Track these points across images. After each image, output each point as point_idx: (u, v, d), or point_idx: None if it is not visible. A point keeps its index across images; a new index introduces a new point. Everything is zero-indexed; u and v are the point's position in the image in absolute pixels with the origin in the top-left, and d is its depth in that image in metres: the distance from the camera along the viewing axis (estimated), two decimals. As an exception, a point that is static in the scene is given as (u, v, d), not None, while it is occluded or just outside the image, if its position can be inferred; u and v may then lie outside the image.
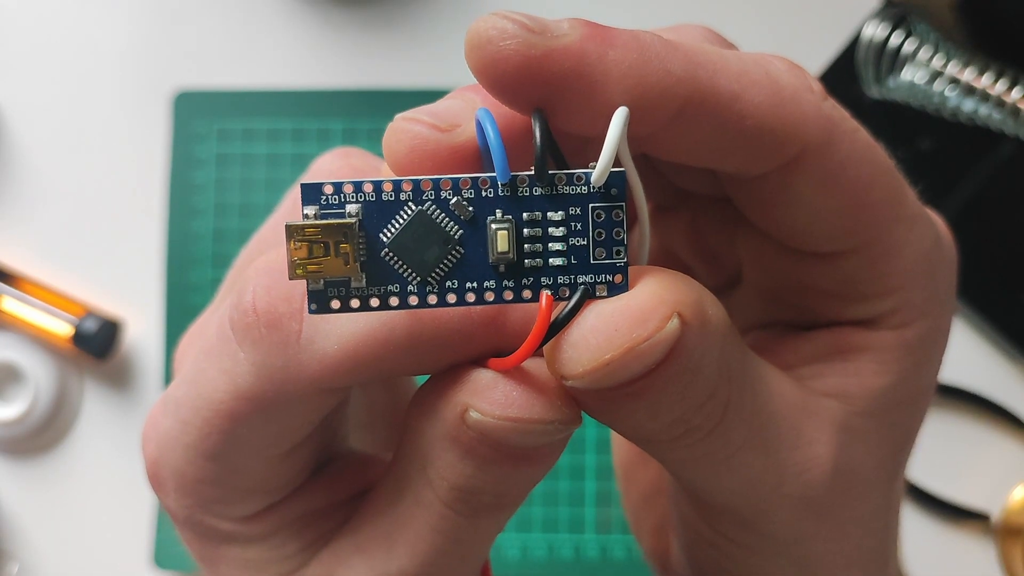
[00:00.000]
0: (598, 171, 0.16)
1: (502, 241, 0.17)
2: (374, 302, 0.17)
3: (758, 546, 0.21)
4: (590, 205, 0.17)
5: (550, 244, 0.17)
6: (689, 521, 0.23)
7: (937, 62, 0.45)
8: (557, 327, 0.16)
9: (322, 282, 0.17)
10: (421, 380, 0.20)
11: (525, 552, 0.49)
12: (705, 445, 0.19)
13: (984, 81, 0.44)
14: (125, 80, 0.54)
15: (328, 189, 0.16)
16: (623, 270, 0.17)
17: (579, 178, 0.17)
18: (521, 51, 0.17)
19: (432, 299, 0.17)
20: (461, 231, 0.17)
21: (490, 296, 0.17)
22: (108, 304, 0.52)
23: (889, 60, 0.45)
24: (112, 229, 0.53)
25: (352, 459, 0.25)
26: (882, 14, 0.46)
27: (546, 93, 0.17)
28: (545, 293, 0.17)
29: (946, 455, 0.50)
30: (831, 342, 0.21)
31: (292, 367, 0.19)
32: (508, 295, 0.17)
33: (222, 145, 0.52)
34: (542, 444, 0.19)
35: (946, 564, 0.47)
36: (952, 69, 0.45)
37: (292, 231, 0.16)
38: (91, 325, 0.49)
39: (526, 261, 0.17)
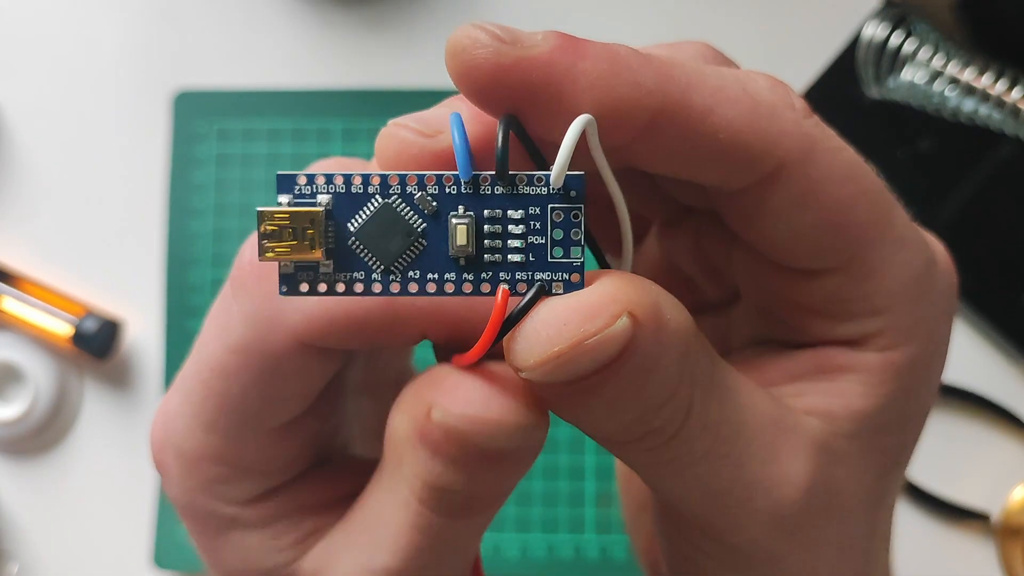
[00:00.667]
0: (555, 173, 0.17)
1: (461, 235, 0.17)
2: (340, 287, 0.18)
3: (731, 562, 0.21)
4: (549, 205, 0.18)
5: (509, 241, 0.18)
6: (668, 534, 0.23)
7: (937, 62, 0.45)
8: (512, 321, 0.17)
9: (292, 265, 0.18)
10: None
11: (525, 552, 0.49)
12: (668, 450, 0.19)
13: (984, 81, 0.44)
14: (125, 80, 0.54)
15: (302, 180, 0.18)
16: (579, 269, 0.18)
17: (539, 179, 0.17)
18: (492, 60, 0.17)
19: (395, 287, 0.18)
20: (424, 224, 0.18)
21: (450, 287, 0.18)
22: (108, 304, 0.52)
23: (889, 60, 0.45)
24: (112, 229, 0.53)
25: (352, 460, 0.26)
26: (882, 14, 0.46)
27: (517, 100, 0.18)
28: (502, 287, 0.17)
29: (946, 455, 0.50)
30: (817, 361, 0.21)
31: (276, 317, 0.20)
32: (467, 287, 0.18)
33: (222, 145, 0.52)
34: (508, 447, 0.19)
35: (946, 564, 0.47)
36: (952, 69, 0.45)
37: (263, 216, 0.17)
38: (91, 325, 0.49)
39: (485, 256, 0.18)
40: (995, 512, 0.49)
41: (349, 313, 0.20)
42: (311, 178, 0.18)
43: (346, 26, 0.54)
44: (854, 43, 0.49)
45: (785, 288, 0.21)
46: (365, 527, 0.23)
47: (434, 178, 0.18)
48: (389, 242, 0.18)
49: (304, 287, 0.18)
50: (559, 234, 0.18)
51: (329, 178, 0.18)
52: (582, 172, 0.18)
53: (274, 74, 0.53)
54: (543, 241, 0.18)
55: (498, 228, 0.18)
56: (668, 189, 0.23)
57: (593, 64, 0.18)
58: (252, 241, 0.21)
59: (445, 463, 0.20)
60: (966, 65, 0.44)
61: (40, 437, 0.51)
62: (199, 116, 0.53)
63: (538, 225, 0.18)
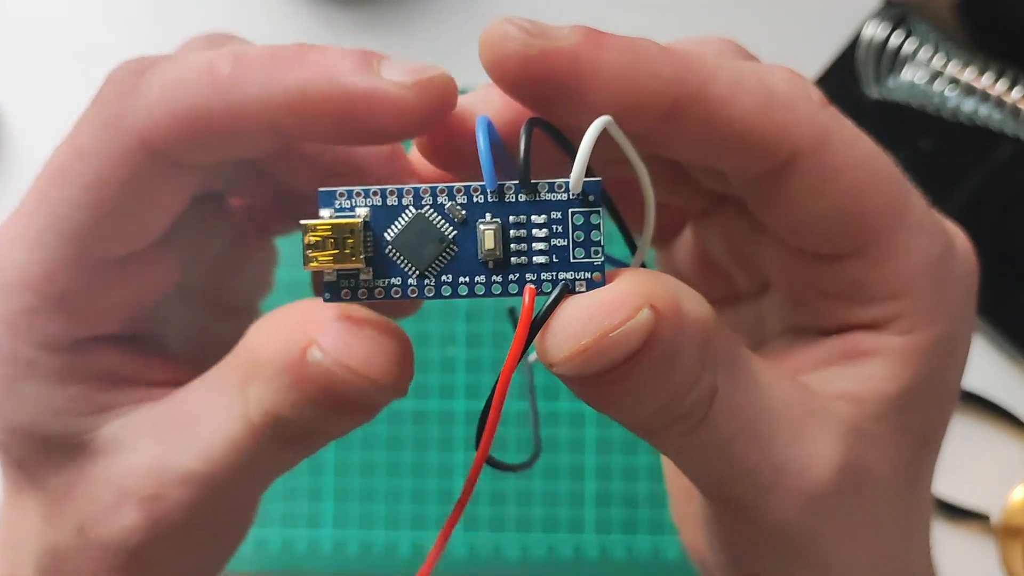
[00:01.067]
0: (573, 179, 0.18)
1: (489, 240, 0.19)
2: (379, 292, 0.19)
3: (769, 545, 0.21)
4: (569, 210, 0.19)
5: (534, 244, 0.19)
6: (709, 520, 0.23)
7: (937, 62, 0.45)
8: (540, 320, 0.18)
9: (336, 274, 0.19)
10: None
11: (525, 552, 0.49)
12: (697, 435, 0.19)
13: (984, 81, 0.44)
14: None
15: (341, 195, 0.19)
16: (600, 268, 0.19)
17: (559, 186, 0.19)
18: (520, 51, 0.19)
19: (429, 291, 0.19)
20: (455, 231, 0.19)
21: (480, 289, 0.19)
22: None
23: (889, 60, 0.46)
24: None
25: (168, 351, 0.25)
26: (882, 14, 0.46)
27: (543, 88, 0.19)
28: (529, 287, 0.19)
29: (945, 455, 0.50)
30: (843, 347, 0.22)
31: (122, 113, 0.20)
32: (496, 288, 0.19)
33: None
34: (373, 402, 0.20)
35: (946, 564, 0.47)
36: (952, 69, 0.45)
37: (307, 228, 0.19)
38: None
39: (512, 259, 0.19)
40: (995, 512, 0.49)
41: (189, 106, 0.19)
42: (350, 192, 0.19)
43: (346, 27, 0.54)
44: (854, 43, 0.49)
45: (808, 274, 0.22)
46: (179, 424, 0.22)
47: (462, 188, 0.19)
48: (423, 249, 0.19)
49: (346, 293, 0.19)
50: (580, 236, 0.19)
51: (367, 192, 0.19)
52: (599, 178, 0.19)
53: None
54: (565, 243, 0.19)
55: (523, 233, 0.19)
56: (696, 178, 0.23)
57: (615, 56, 0.19)
58: (126, 61, 0.21)
59: (301, 399, 0.20)
60: (966, 65, 0.44)
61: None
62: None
63: (560, 228, 0.19)
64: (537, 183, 0.19)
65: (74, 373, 0.22)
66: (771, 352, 0.23)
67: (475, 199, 0.19)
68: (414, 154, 0.22)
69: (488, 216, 0.19)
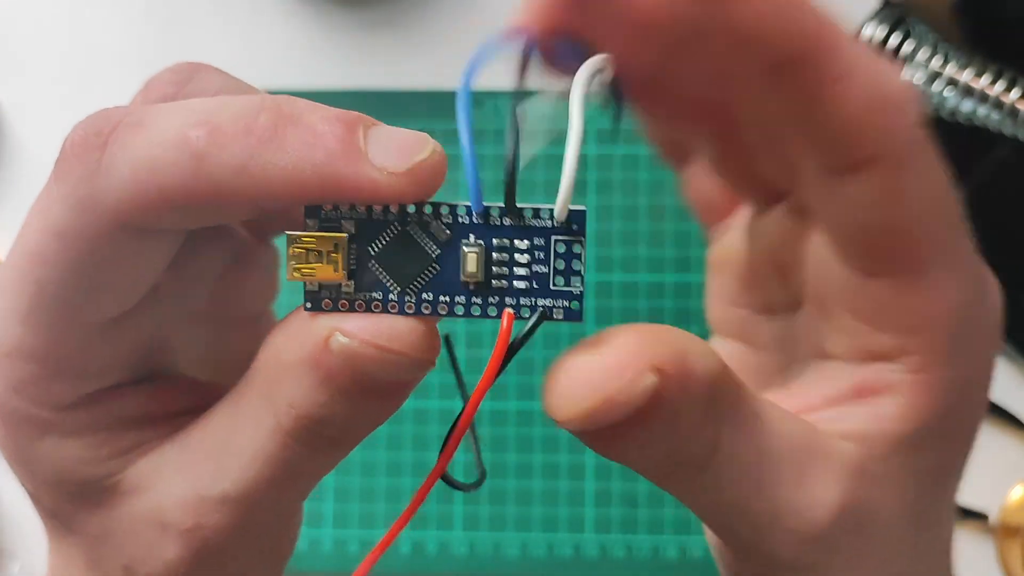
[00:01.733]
0: (558, 209, 0.19)
1: (472, 263, 0.19)
2: (359, 305, 0.19)
3: (776, 572, 0.22)
4: (552, 237, 0.19)
5: (515, 269, 0.19)
6: (715, 542, 0.24)
7: (935, 63, 0.45)
8: (516, 344, 0.19)
9: (317, 284, 0.19)
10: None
11: (524, 551, 0.49)
12: (698, 481, 0.20)
13: (982, 82, 0.44)
14: (129, 82, 0.54)
15: (328, 207, 0.19)
16: (579, 298, 0.19)
17: (544, 213, 0.19)
18: None
19: (409, 307, 0.19)
20: (439, 251, 0.19)
21: (460, 310, 0.19)
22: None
23: (887, 61, 0.46)
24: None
25: (183, 379, 0.25)
26: (880, 15, 0.46)
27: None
28: (507, 311, 0.19)
29: (945, 455, 0.50)
30: (855, 383, 0.22)
31: (95, 196, 0.19)
32: (476, 311, 0.19)
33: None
34: (404, 379, 0.20)
35: (945, 563, 0.47)
36: (950, 70, 0.45)
37: (292, 239, 0.19)
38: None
39: (493, 282, 0.19)
40: (993, 511, 0.49)
41: (163, 187, 0.19)
42: (336, 206, 0.19)
43: (348, 27, 0.54)
44: (853, 44, 0.49)
45: (842, 286, 0.21)
46: (209, 450, 0.22)
47: (449, 208, 0.19)
48: (406, 266, 0.19)
49: (327, 304, 0.19)
50: (561, 264, 0.19)
51: (353, 206, 0.19)
52: (583, 207, 0.19)
53: (276, 76, 0.53)
54: (546, 271, 0.19)
55: (505, 257, 0.19)
56: (764, 168, 0.23)
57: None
58: (82, 124, 0.20)
59: (332, 393, 0.19)
60: (964, 66, 0.44)
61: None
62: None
63: (542, 255, 0.19)
64: (523, 208, 0.19)
65: (91, 425, 0.22)
66: (793, 379, 0.23)
67: (460, 220, 0.19)
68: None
69: (472, 238, 0.19)
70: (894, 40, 0.45)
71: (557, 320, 0.19)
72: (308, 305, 0.19)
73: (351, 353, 0.19)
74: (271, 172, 0.18)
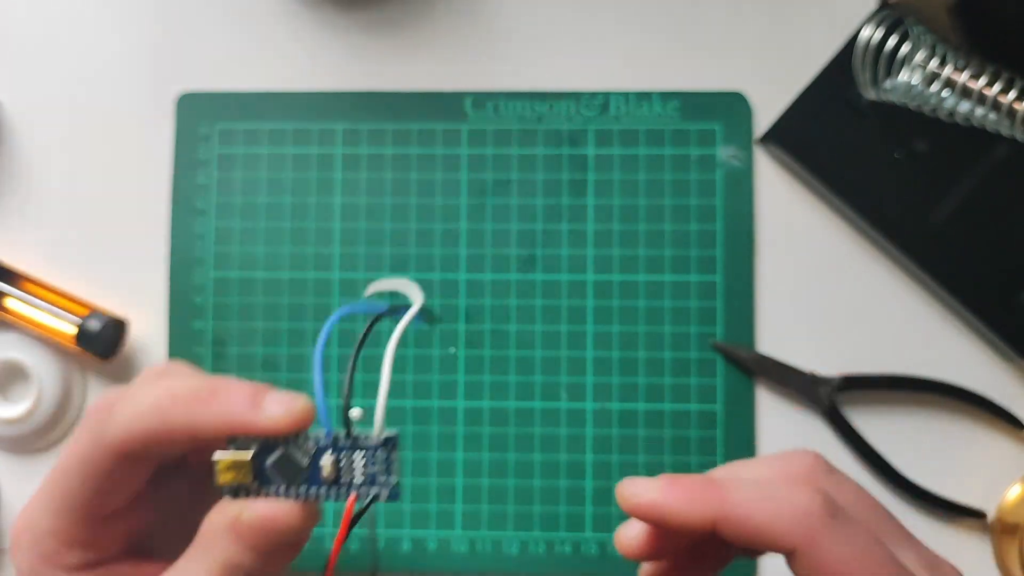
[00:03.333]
0: (375, 434, 0.31)
1: (327, 468, 0.31)
2: (263, 494, 0.32)
3: None
4: (376, 451, 0.31)
5: (354, 470, 0.31)
6: None
7: (933, 64, 0.45)
8: (357, 517, 0.32)
9: (236, 485, 0.32)
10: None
11: (524, 549, 0.50)
12: None
13: (980, 83, 0.44)
14: (129, 82, 0.54)
15: (240, 438, 0.32)
16: (397, 486, 0.31)
17: (368, 437, 0.31)
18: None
19: (292, 495, 0.32)
20: (307, 461, 0.32)
21: (323, 496, 0.32)
22: (113, 304, 0.52)
23: (885, 62, 0.46)
24: (116, 229, 0.53)
25: (155, 558, 0.36)
26: (878, 16, 0.47)
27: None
28: (352, 496, 0.31)
29: (942, 454, 0.50)
30: None
31: (101, 436, 0.33)
32: (332, 496, 0.31)
33: (224, 146, 0.53)
34: (288, 539, 0.31)
35: (942, 562, 0.47)
36: (948, 71, 0.45)
37: (216, 460, 0.32)
38: (94, 324, 0.50)
39: (341, 478, 0.31)
40: (991, 510, 0.49)
41: (148, 435, 0.32)
42: (246, 438, 0.32)
43: (346, 30, 0.54)
44: (850, 45, 0.50)
45: None
46: None
47: (310, 437, 0.32)
48: (288, 471, 0.32)
49: (242, 494, 0.32)
50: (383, 467, 0.31)
51: (255, 437, 0.32)
52: (396, 432, 0.31)
53: (276, 79, 0.54)
54: (375, 470, 0.31)
55: (350, 463, 0.31)
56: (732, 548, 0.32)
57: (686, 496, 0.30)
58: (104, 394, 0.36)
59: (244, 547, 0.31)
60: (962, 67, 0.45)
61: (44, 436, 0.52)
62: (202, 117, 0.53)
63: (371, 462, 0.31)
64: (356, 435, 0.31)
65: None
66: None
67: (319, 443, 0.31)
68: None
69: (327, 454, 0.31)
70: (892, 42, 0.46)
71: (384, 500, 0.31)
72: (230, 496, 0.32)
73: (253, 521, 0.31)
74: (205, 420, 0.32)
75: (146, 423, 0.32)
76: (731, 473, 0.31)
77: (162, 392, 0.32)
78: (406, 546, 0.50)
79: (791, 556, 0.28)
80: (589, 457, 0.50)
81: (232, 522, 0.31)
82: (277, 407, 0.31)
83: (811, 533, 0.28)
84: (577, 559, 0.50)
